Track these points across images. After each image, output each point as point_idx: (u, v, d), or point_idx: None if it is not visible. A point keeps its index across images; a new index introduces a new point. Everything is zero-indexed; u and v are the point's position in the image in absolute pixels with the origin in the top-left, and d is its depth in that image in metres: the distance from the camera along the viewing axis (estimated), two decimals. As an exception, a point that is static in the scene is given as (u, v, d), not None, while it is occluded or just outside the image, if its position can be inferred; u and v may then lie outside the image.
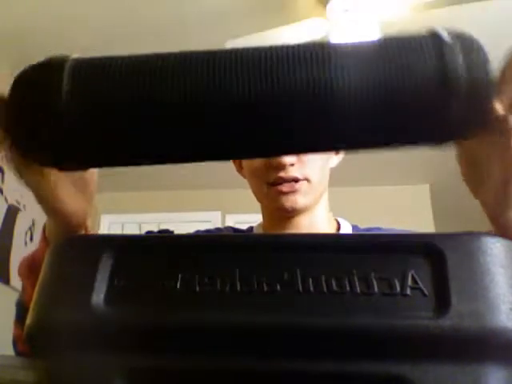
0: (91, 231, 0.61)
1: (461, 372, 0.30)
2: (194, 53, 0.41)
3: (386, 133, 0.41)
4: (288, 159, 0.78)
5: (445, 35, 0.40)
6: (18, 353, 0.67)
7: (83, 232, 0.57)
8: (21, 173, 0.46)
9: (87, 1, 2.42)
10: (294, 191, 0.80)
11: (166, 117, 0.39)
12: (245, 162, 0.87)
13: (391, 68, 0.38)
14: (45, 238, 0.60)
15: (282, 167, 0.79)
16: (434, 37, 0.39)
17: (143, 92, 0.39)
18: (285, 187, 0.80)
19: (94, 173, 0.53)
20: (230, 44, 2.18)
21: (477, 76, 0.38)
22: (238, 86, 0.38)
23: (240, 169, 0.92)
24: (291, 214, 0.83)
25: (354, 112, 0.39)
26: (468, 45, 0.39)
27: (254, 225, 0.94)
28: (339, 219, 0.92)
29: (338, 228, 0.90)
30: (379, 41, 0.40)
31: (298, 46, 0.40)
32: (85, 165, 0.44)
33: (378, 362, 0.31)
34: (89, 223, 0.58)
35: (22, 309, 0.66)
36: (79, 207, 0.51)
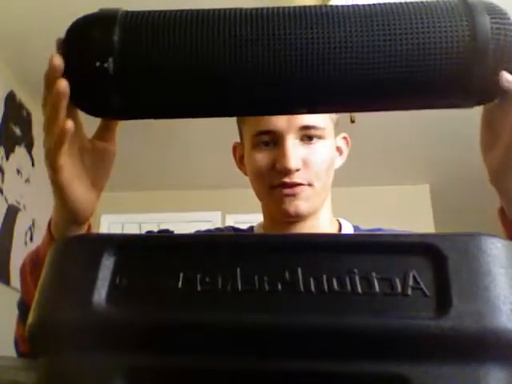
0: (93, 229, 0.62)
1: (461, 372, 0.30)
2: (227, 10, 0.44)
3: (409, 89, 0.44)
4: (294, 164, 0.77)
5: (475, 4, 0.42)
6: (19, 353, 0.67)
7: (87, 227, 0.59)
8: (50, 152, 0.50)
9: (87, 1, 2.42)
10: (295, 194, 0.79)
11: (205, 75, 0.43)
12: (247, 162, 0.86)
13: (423, 24, 0.41)
14: (50, 233, 0.60)
15: (288, 172, 0.78)
16: (463, 4, 0.42)
17: (189, 50, 0.43)
18: (287, 190, 0.79)
19: (108, 170, 0.57)
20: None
21: (504, 39, 0.41)
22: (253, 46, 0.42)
23: (241, 166, 0.92)
24: (294, 219, 0.82)
25: (373, 63, 0.41)
26: (495, 10, 0.42)
27: (254, 224, 0.94)
28: (341, 220, 0.92)
29: (340, 229, 0.90)
30: (408, 3, 0.43)
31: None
32: (129, 115, 0.48)
33: (379, 362, 0.31)
34: (92, 221, 0.60)
35: (24, 308, 0.66)
36: (88, 198, 0.55)
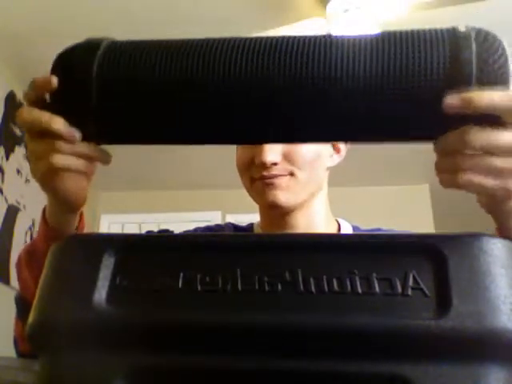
0: (93, 229, 0.62)
1: (461, 372, 0.30)
2: (211, 40, 0.45)
3: (392, 121, 0.43)
4: (269, 158, 0.78)
5: (462, 31, 0.41)
6: (19, 353, 0.67)
7: (79, 215, 0.60)
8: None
9: (87, 2, 2.42)
10: (274, 184, 0.80)
11: (185, 102, 0.43)
12: (236, 158, 0.87)
13: (408, 58, 0.40)
14: (45, 223, 0.61)
15: (264, 166, 0.79)
16: (450, 32, 0.41)
17: (168, 78, 0.43)
18: (266, 180, 0.80)
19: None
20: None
21: (489, 74, 0.40)
22: (252, 75, 0.42)
23: None
24: (277, 210, 0.82)
25: (359, 99, 0.41)
26: (484, 41, 0.41)
27: (254, 222, 0.94)
28: (340, 220, 0.92)
29: (339, 229, 0.90)
30: (395, 33, 0.42)
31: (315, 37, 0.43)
32: (107, 140, 0.49)
33: (379, 362, 0.31)
34: (84, 212, 0.61)
35: (22, 304, 0.66)
36: (79, 186, 0.55)
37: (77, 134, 0.47)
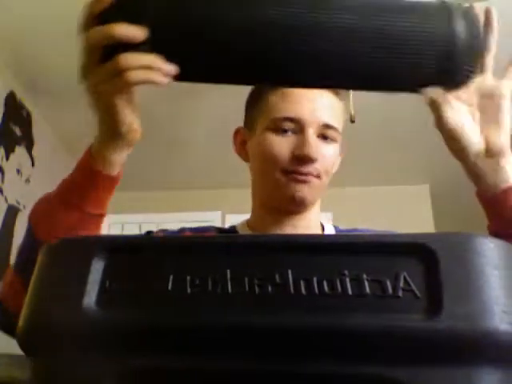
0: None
1: (453, 374, 0.30)
2: None
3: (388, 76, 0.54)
4: (315, 154, 0.78)
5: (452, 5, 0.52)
6: (3, 311, 0.66)
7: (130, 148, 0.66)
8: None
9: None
10: (307, 182, 0.80)
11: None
12: (257, 145, 0.85)
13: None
14: (89, 152, 0.64)
15: (308, 160, 0.79)
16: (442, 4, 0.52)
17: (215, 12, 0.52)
18: (301, 177, 0.80)
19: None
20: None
21: (472, 37, 0.52)
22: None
23: (241, 150, 0.90)
24: (295, 206, 0.82)
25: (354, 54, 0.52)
26: (468, 12, 0.53)
27: (236, 224, 0.93)
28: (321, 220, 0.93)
29: (323, 229, 0.90)
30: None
31: None
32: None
33: (370, 364, 0.31)
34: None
35: (24, 253, 0.66)
36: (133, 119, 0.61)
37: (140, 32, 0.51)
